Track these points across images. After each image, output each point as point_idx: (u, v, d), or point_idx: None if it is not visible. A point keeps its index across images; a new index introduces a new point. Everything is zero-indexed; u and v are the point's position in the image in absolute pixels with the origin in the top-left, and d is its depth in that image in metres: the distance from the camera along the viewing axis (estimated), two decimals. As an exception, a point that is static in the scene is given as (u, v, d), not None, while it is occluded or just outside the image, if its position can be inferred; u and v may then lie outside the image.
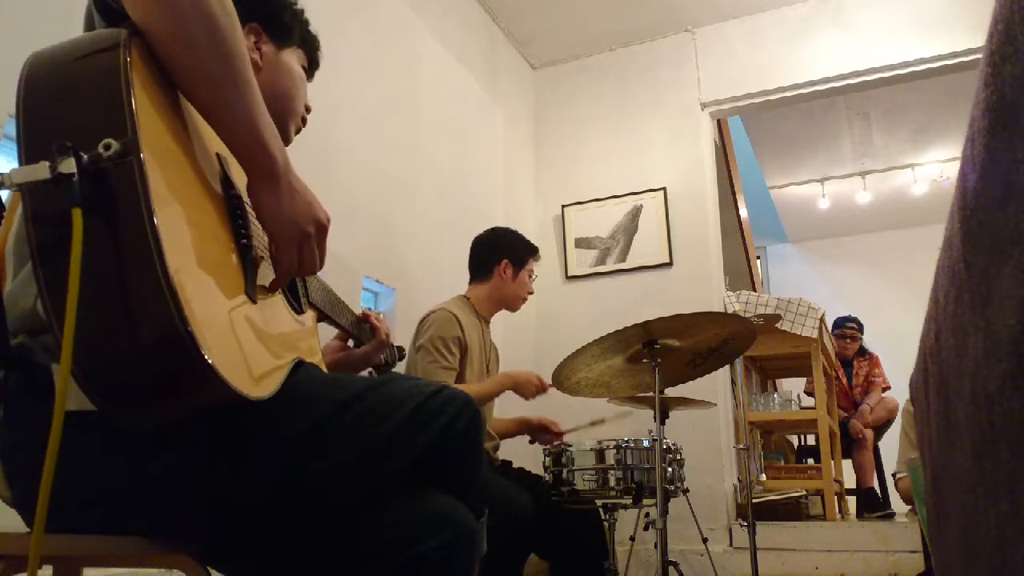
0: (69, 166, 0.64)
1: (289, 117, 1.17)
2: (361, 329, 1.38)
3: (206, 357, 0.67)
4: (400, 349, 1.56)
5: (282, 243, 0.87)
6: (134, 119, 0.67)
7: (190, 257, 0.72)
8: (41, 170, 0.64)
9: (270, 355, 0.86)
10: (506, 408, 2.65)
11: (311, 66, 1.24)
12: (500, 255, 2.56)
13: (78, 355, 0.65)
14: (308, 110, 1.23)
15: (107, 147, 0.65)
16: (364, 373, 1.40)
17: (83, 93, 0.70)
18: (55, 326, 0.64)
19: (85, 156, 0.65)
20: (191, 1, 0.76)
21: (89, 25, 0.85)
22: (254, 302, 0.85)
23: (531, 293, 2.64)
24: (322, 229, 0.91)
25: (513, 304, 2.61)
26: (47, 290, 0.66)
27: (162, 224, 0.66)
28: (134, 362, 0.68)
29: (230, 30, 0.79)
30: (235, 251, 0.85)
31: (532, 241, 2.66)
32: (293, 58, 1.17)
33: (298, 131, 1.21)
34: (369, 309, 1.42)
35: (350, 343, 1.41)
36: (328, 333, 1.36)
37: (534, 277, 2.63)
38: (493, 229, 2.71)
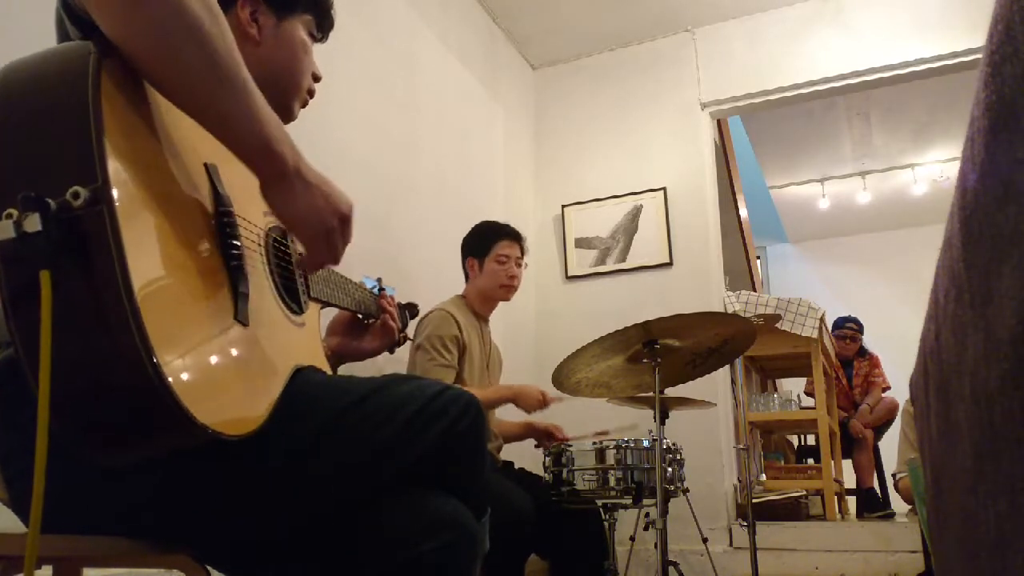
0: (34, 223, 0.61)
1: (292, 94, 1.11)
2: (367, 302, 1.35)
3: (188, 411, 0.66)
4: (413, 306, 1.52)
5: (307, 241, 0.87)
6: (104, 163, 0.64)
7: (170, 304, 0.70)
8: (6, 228, 0.61)
9: (259, 383, 0.84)
10: (511, 412, 2.65)
11: (324, 28, 1.15)
12: (465, 254, 2.62)
13: (54, 409, 0.63)
14: (317, 79, 1.15)
15: (76, 196, 0.62)
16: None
17: (50, 133, 0.66)
18: (31, 380, 0.63)
19: (54, 204, 0.62)
20: (170, 11, 0.69)
21: (61, 29, 0.82)
22: (245, 325, 0.82)
23: (512, 277, 2.53)
24: (345, 220, 0.89)
25: (495, 294, 2.56)
26: (21, 344, 0.64)
27: (137, 274, 0.64)
28: (109, 420, 0.68)
29: (217, 35, 0.73)
30: (225, 275, 0.81)
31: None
32: (297, 27, 1.09)
33: (304, 105, 1.14)
34: (369, 287, 1.40)
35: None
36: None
37: (505, 260, 2.52)
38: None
